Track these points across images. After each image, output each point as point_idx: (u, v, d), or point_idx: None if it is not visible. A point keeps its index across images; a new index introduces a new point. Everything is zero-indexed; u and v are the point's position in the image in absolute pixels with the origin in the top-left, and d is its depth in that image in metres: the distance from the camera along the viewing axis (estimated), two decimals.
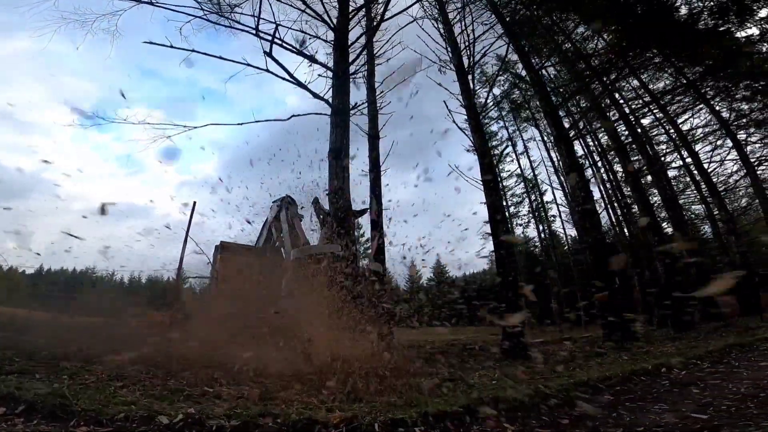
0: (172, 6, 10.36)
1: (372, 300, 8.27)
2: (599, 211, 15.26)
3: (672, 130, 16.98)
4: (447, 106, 10.87)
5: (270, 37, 9.30)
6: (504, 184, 23.88)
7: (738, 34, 10.11)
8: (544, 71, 13.30)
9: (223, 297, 12.62)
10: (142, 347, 8.45)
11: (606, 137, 18.32)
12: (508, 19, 11.78)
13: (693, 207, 20.94)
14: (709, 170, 17.19)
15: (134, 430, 2.80)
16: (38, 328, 9.79)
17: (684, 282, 13.86)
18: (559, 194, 24.30)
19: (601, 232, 11.78)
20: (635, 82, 16.21)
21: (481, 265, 34.34)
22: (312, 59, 10.26)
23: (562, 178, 21.72)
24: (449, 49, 10.40)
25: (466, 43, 9.90)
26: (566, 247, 25.61)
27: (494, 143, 23.07)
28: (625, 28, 12.16)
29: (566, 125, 13.45)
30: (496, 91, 17.20)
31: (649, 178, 17.60)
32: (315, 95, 10.01)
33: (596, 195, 18.56)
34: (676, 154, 18.11)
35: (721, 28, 9.51)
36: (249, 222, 10.84)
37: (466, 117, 10.36)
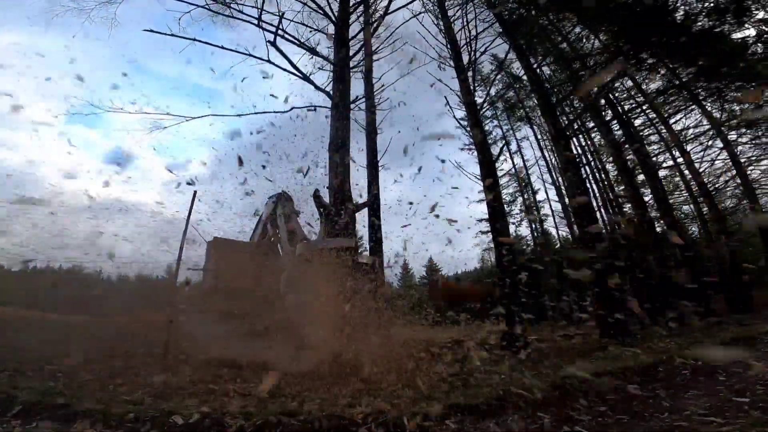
0: None
1: (368, 295, 8.18)
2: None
3: (664, 130, 17.18)
4: (447, 101, 10.81)
5: (274, 28, 9.16)
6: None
7: (734, 36, 10.19)
8: (541, 70, 13.27)
9: (218, 292, 12.46)
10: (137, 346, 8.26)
11: (599, 136, 18.46)
12: (506, 17, 11.77)
13: (683, 207, 21.30)
14: (700, 170, 17.43)
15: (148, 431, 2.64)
16: (28, 328, 9.54)
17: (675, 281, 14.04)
18: (552, 193, 24.48)
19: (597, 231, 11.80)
20: (629, 83, 16.36)
21: (472, 264, 34.52)
22: (313, 51, 10.11)
23: (556, 176, 21.86)
24: (449, 46, 10.32)
25: (467, 40, 9.84)
26: (558, 245, 25.83)
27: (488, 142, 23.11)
28: (621, 29, 12.22)
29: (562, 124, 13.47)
30: (491, 90, 17.15)
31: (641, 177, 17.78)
32: (316, 87, 9.90)
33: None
34: (667, 153, 18.41)
35: (718, 30, 9.57)
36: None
37: (464, 114, 10.36)
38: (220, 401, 3.06)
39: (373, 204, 11.48)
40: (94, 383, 4.19)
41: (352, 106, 10.68)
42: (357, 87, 12.91)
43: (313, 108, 10.23)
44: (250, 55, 9.74)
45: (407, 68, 11.12)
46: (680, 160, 18.04)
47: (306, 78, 9.89)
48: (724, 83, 13.94)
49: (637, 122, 17.95)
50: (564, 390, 3.93)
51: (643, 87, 16.23)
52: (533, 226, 24.52)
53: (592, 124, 16.74)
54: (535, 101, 17.68)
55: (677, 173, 19.04)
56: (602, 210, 19.89)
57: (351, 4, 10.59)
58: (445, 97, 22.40)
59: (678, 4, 9.70)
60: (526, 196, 24.73)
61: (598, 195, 19.99)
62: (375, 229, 11.20)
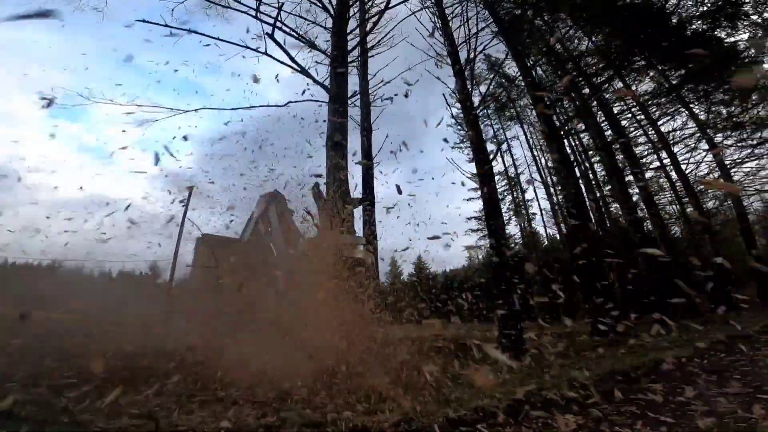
0: None
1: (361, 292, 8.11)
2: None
3: (652, 132, 17.46)
4: (446, 100, 10.75)
5: (272, 20, 8.94)
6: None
7: (727, 39, 10.37)
8: (535, 71, 13.32)
9: (208, 290, 12.21)
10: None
11: (588, 138, 18.69)
12: (502, 16, 11.76)
13: (668, 207, 21.76)
14: (686, 171, 17.77)
15: None
16: (11, 328, 9.16)
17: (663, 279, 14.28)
18: (540, 192, 24.72)
19: (590, 230, 11.96)
20: (619, 83, 16.57)
21: (460, 262, 34.71)
22: (312, 45, 9.92)
23: (546, 175, 22.09)
24: (446, 44, 10.24)
25: (466, 38, 9.78)
26: (545, 243, 26.16)
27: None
28: (614, 31, 12.32)
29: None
30: (483, 88, 17.18)
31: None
32: (315, 80, 9.70)
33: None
34: (655, 155, 18.74)
35: (711, 33, 9.75)
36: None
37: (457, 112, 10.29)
38: (234, 411, 2.92)
39: (369, 201, 11.40)
40: (94, 393, 3.99)
41: (348, 102, 10.53)
42: (353, 83, 12.77)
43: (319, 102, 10.04)
44: (247, 47, 9.50)
45: (404, 87, 11.08)
46: (667, 161, 18.43)
47: (304, 71, 9.70)
48: (712, 86, 14.22)
49: (626, 123, 18.29)
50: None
51: (633, 88, 16.48)
52: (522, 224, 24.76)
53: (582, 126, 16.89)
54: (527, 101, 17.83)
55: (663, 174, 19.44)
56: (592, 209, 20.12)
57: None
58: (443, 95, 22.41)
59: (672, 8, 9.79)
60: (515, 194, 24.93)
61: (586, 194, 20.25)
62: (369, 225, 11.13)
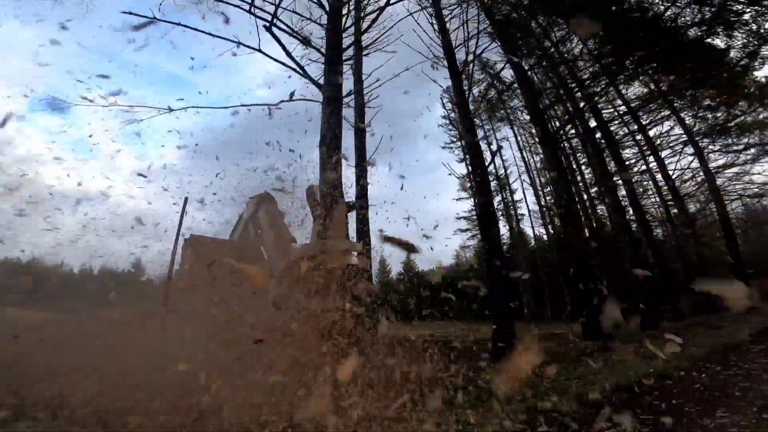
0: None
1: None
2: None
3: (640, 137, 17.70)
4: (443, 102, 10.63)
5: (266, 15, 8.70)
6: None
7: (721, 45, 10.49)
8: (533, 74, 13.32)
9: (195, 294, 11.91)
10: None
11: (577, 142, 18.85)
12: (498, 18, 11.68)
13: (652, 210, 22.13)
14: (673, 176, 18.09)
15: None
16: None
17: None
18: (529, 193, 24.89)
19: (583, 234, 12.03)
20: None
21: (448, 260, 34.79)
22: (306, 42, 9.70)
23: (535, 177, 22.21)
24: (444, 47, 10.12)
25: (464, 39, 9.67)
26: (533, 244, 26.39)
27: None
28: (608, 35, 12.36)
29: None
30: (475, 91, 17.13)
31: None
32: (310, 79, 9.53)
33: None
34: (643, 159, 19.01)
35: (706, 39, 9.86)
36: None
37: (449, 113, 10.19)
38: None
39: (362, 204, 11.24)
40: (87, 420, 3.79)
41: (343, 101, 10.36)
42: (348, 82, 12.58)
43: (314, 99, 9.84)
44: (240, 43, 9.24)
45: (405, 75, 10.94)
46: (654, 165, 18.72)
47: (299, 66, 9.50)
48: (700, 91, 14.42)
49: (614, 127, 18.50)
50: None
51: (623, 92, 16.65)
52: (510, 225, 24.89)
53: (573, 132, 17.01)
54: (518, 102, 17.85)
55: (650, 178, 19.75)
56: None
57: None
58: (441, 97, 22.33)
59: (671, 16, 9.85)
60: (504, 195, 25.04)
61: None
62: (363, 229, 11.01)
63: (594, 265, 11.62)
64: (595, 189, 20.67)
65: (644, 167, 19.37)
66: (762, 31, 9.76)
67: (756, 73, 11.96)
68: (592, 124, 15.30)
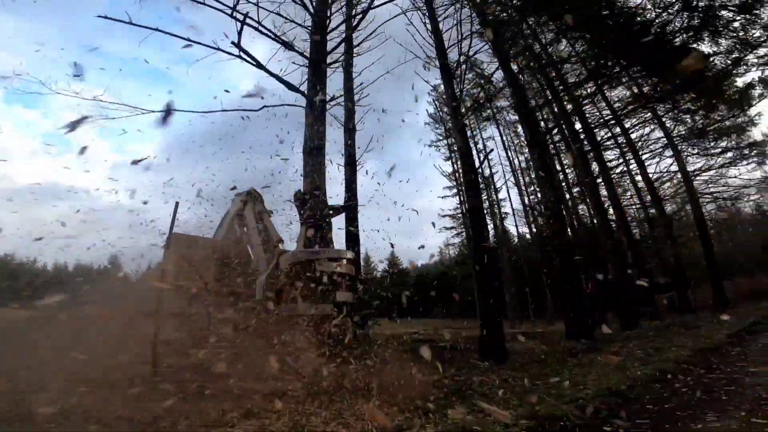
0: None
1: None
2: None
3: (623, 140, 18.12)
4: (437, 105, 10.57)
5: (245, 18, 8.49)
6: (461, 180, 24.26)
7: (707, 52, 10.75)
8: (522, 76, 13.42)
9: (176, 294, 11.61)
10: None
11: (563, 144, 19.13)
12: (490, 19, 11.70)
13: (631, 211, 22.74)
14: (653, 179, 18.58)
15: None
16: None
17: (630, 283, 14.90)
18: (513, 192, 25.22)
19: (567, 236, 12.22)
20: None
21: (431, 258, 35.01)
22: (289, 46, 9.51)
23: (519, 176, 22.49)
24: (435, 47, 10.07)
25: (458, 39, 9.64)
26: (515, 243, 26.78)
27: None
28: (596, 38, 12.53)
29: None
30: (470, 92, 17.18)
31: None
32: (290, 87, 9.35)
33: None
34: (623, 160, 19.49)
35: (692, 44, 10.10)
36: None
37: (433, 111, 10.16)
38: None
39: (350, 207, 11.15)
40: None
41: (328, 105, 10.24)
42: (336, 82, 12.41)
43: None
44: (219, 49, 9.06)
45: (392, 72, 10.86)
46: (634, 167, 19.20)
47: (277, 78, 9.36)
48: (682, 96, 14.80)
49: (598, 129, 18.85)
50: None
51: (608, 95, 16.98)
52: (495, 223, 25.17)
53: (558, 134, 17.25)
54: (505, 102, 17.98)
55: (630, 180, 20.26)
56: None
57: None
58: (434, 100, 22.33)
59: (659, 23, 10.04)
60: (489, 194, 25.29)
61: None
62: (352, 233, 10.93)
63: (578, 266, 11.82)
64: (578, 189, 21.10)
65: (625, 169, 19.90)
66: (749, 38, 10.08)
67: (737, 80, 12.44)
68: (578, 126, 15.55)
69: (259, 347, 6.56)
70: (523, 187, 23.28)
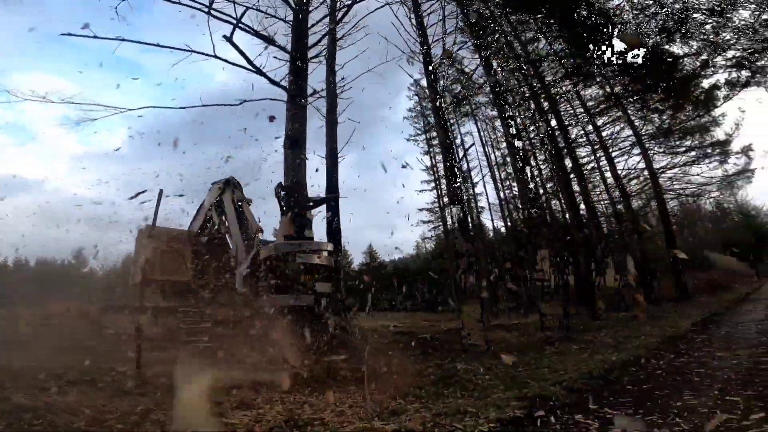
0: None
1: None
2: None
3: (594, 137, 18.67)
4: (420, 98, 10.60)
5: (227, 17, 8.40)
6: (440, 174, 24.45)
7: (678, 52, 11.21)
8: (502, 74, 13.65)
9: (150, 286, 11.28)
10: None
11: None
12: (471, 12, 11.82)
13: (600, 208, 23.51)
14: (621, 175, 19.25)
15: None
16: None
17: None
18: (489, 186, 25.56)
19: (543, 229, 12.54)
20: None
21: (408, 251, 35.12)
22: (270, 41, 9.42)
23: (497, 172, 22.85)
24: (420, 42, 10.13)
25: (441, 35, 9.71)
26: (491, 236, 27.20)
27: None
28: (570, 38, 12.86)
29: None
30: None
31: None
32: (272, 81, 9.29)
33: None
34: (594, 157, 20.11)
35: (665, 47, 10.51)
36: None
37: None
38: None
39: (331, 199, 11.08)
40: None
41: (310, 99, 10.20)
42: (318, 75, 12.27)
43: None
44: (193, 51, 9.03)
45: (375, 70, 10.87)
46: (604, 164, 19.85)
47: (260, 72, 9.26)
48: (651, 95, 15.37)
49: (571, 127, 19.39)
50: None
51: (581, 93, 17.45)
52: (471, 216, 25.43)
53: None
54: (483, 98, 18.20)
55: (600, 177, 20.92)
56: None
57: None
58: (415, 94, 22.33)
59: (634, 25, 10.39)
60: (467, 187, 25.52)
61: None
62: (333, 226, 10.88)
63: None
64: (551, 185, 21.67)
65: (596, 165, 20.54)
66: (719, 40, 10.56)
67: (704, 81, 13.04)
68: (553, 123, 15.91)
69: (243, 339, 6.49)
70: (499, 182, 23.65)
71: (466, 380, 5.34)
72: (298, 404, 4.09)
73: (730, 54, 11.22)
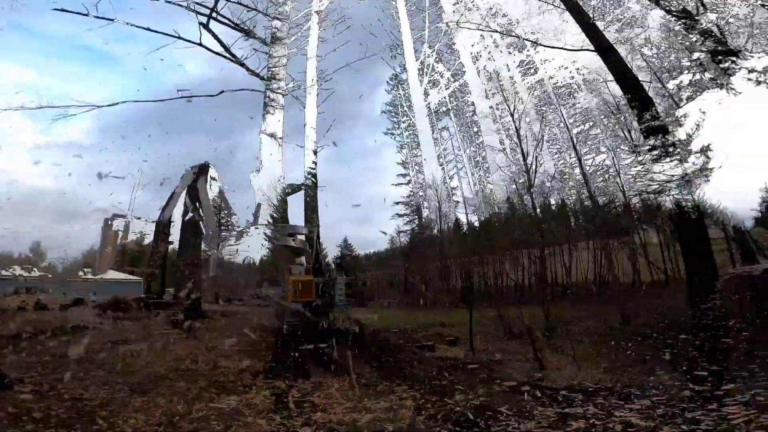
0: None
1: None
2: None
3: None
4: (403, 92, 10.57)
5: (205, 9, 8.29)
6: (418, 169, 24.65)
7: None
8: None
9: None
10: None
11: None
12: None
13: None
14: (589, 172, 20.04)
15: None
16: None
17: None
18: (465, 181, 25.97)
19: None
20: None
21: (383, 245, 35.23)
22: (249, 33, 9.34)
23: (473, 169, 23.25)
24: (403, 35, 10.13)
25: (424, 29, 9.72)
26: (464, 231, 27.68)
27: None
28: None
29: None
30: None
31: None
32: (251, 72, 9.21)
33: None
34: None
35: None
36: None
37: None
38: None
39: (308, 187, 10.98)
40: None
41: (290, 90, 10.16)
42: (298, 66, 12.12)
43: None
44: (179, 37, 8.90)
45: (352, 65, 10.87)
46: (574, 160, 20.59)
47: (240, 63, 9.19)
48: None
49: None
50: None
51: None
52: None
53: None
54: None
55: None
56: None
57: None
58: (393, 88, 22.26)
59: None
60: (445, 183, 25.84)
61: None
62: (310, 215, 10.79)
63: None
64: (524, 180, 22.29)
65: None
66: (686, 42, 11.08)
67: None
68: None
69: (223, 327, 6.38)
70: (475, 176, 24.05)
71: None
72: (286, 389, 4.05)
73: (695, 55, 11.81)
